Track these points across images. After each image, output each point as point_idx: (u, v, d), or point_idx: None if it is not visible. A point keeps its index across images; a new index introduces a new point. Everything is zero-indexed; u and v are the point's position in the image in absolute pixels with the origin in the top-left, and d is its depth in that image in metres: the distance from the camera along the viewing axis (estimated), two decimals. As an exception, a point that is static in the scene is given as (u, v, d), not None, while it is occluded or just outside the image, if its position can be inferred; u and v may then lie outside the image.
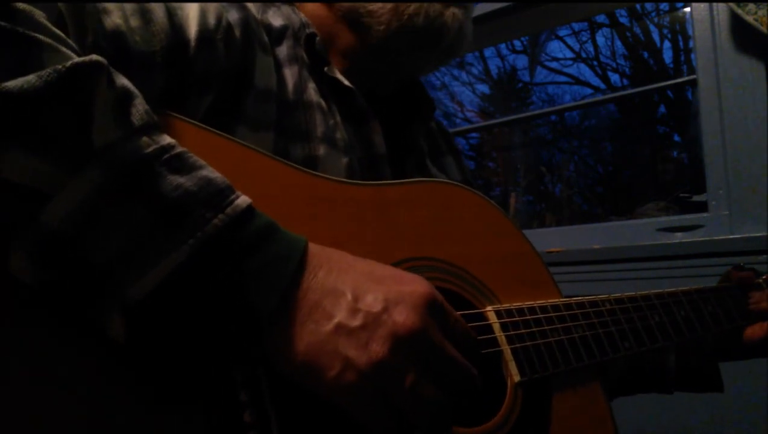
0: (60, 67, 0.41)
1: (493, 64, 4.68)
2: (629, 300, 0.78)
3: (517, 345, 0.65)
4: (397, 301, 0.48)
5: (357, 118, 0.77)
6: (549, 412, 0.66)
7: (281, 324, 0.45)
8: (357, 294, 0.48)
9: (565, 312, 0.71)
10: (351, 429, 0.51)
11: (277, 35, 0.73)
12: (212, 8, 0.63)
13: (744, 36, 1.57)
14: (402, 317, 0.47)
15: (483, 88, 4.74)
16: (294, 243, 0.47)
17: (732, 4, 1.52)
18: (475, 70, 4.67)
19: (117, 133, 0.43)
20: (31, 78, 0.40)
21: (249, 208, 0.46)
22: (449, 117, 4.35)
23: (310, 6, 0.81)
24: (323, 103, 0.73)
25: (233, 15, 0.66)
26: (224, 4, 0.66)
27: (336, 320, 0.46)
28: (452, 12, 0.75)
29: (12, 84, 0.39)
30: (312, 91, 0.73)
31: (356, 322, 0.46)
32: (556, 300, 0.72)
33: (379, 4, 0.75)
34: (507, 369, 0.64)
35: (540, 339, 0.67)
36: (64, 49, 0.43)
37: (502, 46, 4.41)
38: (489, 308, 0.66)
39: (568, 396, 0.68)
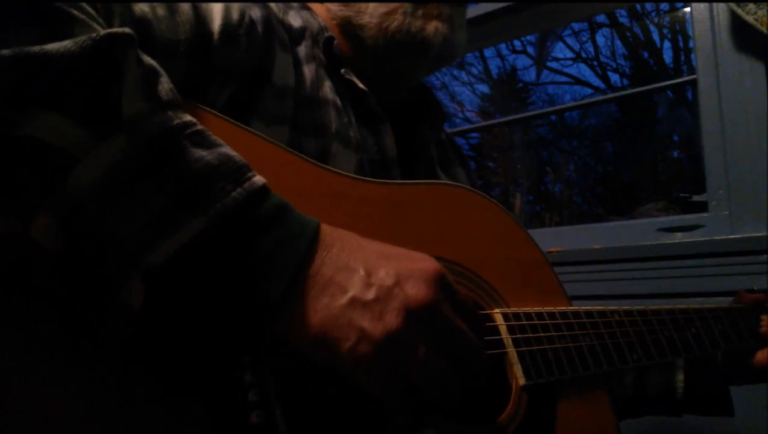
0: (95, 35, 0.42)
1: (493, 64, 4.68)
2: (639, 313, 0.77)
3: (524, 348, 0.64)
4: (409, 276, 0.49)
5: (370, 121, 0.78)
6: (554, 418, 0.66)
7: (296, 299, 0.46)
8: (369, 269, 0.49)
9: (573, 320, 0.70)
10: (356, 419, 0.51)
11: (297, 35, 0.75)
12: (236, 5, 0.65)
13: (744, 36, 1.57)
14: (414, 290, 0.49)
15: (483, 88, 4.74)
16: (307, 222, 0.49)
17: (732, 4, 1.52)
18: (475, 70, 4.67)
19: (144, 105, 0.44)
20: (67, 43, 0.41)
21: (265, 186, 0.48)
22: (449, 117, 4.35)
23: (318, 11, 0.83)
24: (338, 102, 0.75)
25: (256, 12, 0.68)
26: (247, 3, 0.68)
27: (350, 294, 0.47)
28: (434, 25, 0.77)
29: (50, 47, 0.41)
30: (328, 89, 0.75)
31: (370, 295, 0.47)
32: (565, 307, 0.71)
33: (366, 19, 0.78)
34: (512, 372, 0.64)
35: (547, 344, 0.66)
36: (95, 26, 0.45)
37: (502, 46, 4.41)
38: (497, 310, 0.66)
39: (574, 404, 0.68)
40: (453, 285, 0.53)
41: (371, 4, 0.78)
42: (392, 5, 0.77)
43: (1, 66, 0.40)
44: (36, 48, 0.40)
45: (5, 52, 0.40)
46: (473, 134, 4.03)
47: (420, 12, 0.77)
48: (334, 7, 0.81)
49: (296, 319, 0.46)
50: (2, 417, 0.41)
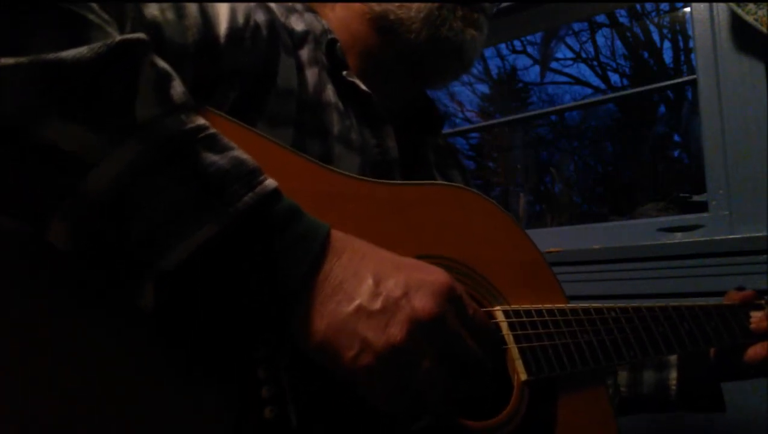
0: (110, 41, 0.43)
1: (493, 64, 4.67)
2: (634, 310, 0.78)
3: (524, 344, 0.65)
4: (418, 288, 0.49)
5: (372, 122, 0.79)
6: (555, 414, 0.67)
7: (304, 303, 0.47)
8: (378, 278, 0.49)
9: (571, 318, 0.71)
10: (365, 410, 0.52)
11: (299, 39, 0.75)
12: (241, 8, 0.65)
13: (744, 36, 1.57)
14: (421, 303, 0.49)
15: (483, 88, 4.73)
16: (318, 226, 0.49)
17: (732, 4, 1.52)
18: (475, 70, 4.66)
19: (157, 109, 0.45)
20: (83, 50, 0.42)
21: (276, 190, 0.48)
22: (449, 117, 4.35)
23: (338, 8, 0.83)
24: (340, 105, 0.76)
25: (260, 16, 0.68)
26: (251, 5, 0.68)
27: (357, 302, 0.47)
28: (471, 33, 0.79)
29: (66, 54, 0.41)
30: (330, 93, 0.75)
31: (376, 305, 0.48)
32: (563, 305, 0.73)
33: (412, 13, 0.78)
34: (514, 368, 0.65)
35: (547, 340, 0.67)
36: (110, 30, 0.45)
37: (502, 46, 4.41)
38: (497, 308, 0.67)
39: (575, 398, 0.69)
40: (463, 297, 0.53)
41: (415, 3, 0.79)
42: (438, 3, 0.78)
43: (19, 73, 0.40)
44: (52, 55, 0.41)
45: (23, 59, 0.40)
46: (473, 134, 4.04)
47: (459, 13, 0.79)
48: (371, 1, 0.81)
49: (303, 323, 0.47)
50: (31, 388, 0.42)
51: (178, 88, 0.48)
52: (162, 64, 0.48)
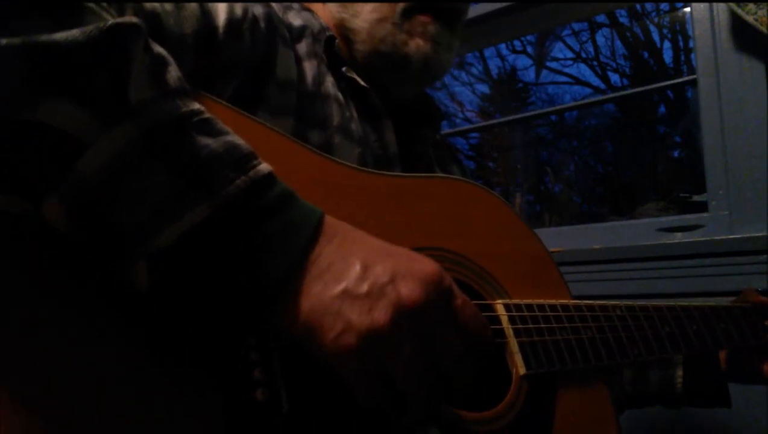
0: (102, 24, 0.43)
1: (493, 64, 4.67)
2: (641, 309, 0.77)
3: (524, 338, 0.65)
4: (405, 275, 0.49)
5: (371, 117, 0.80)
6: (553, 409, 0.67)
7: (292, 285, 0.47)
8: (367, 264, 0.49)
9: (574, 313, 0.71)
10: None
11: (297, 33, 0.77)
12: (239, 3, 0.67)
13: (744, 36, 1.57)
14: (407, 290, 0.49)
15: (483, 88, 4.73)
16: (311, 211, 0.50)
17: (732, 4, 1.52)
18: (475, 70, 4.66)
19: (152, 92, 0.45)
20: (75, 32, 0.42)
21: (270, 174, 0.48)
22: (449, 117, 4.35)
23: (320, 13, 0.85)
24: (340, 97, 0.76)
25: (258, 9, 0.70)
26: (248, 1, 0.69)
27: (343, 285, 0.48)
28: (416, 43, 0.79)
29: (59, 36, 0.42)
30: (329, 85, 0.76)
31: (362, 289, 0.48)
32: (566, 301, 0.72)
33: (359, 23, 0.80)
34: (513, 362, 0.65)
35: (547, 335, 0.67)
36: (106, 16, 0.46)
37: (502, 46, 4.41)
38: (498, 301, 0.66)
39: (574, 395, 0.68)
40: (452, 288, 0.52)
41: (366, 8, 0.80)
42: (384, 13, 0.79)
43: (12, 54, 0.41)
44: (44, 37, 0.41)
45: (16, 40, 0.41)
46: (473, 134, 4.04)
47: (406, 26, 0.79)
48: (334, 8, 0.83)
49: (290, 304, 0.47)
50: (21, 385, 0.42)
51: (173, 72, 0.48)
52: (158, 48, 0.48)
